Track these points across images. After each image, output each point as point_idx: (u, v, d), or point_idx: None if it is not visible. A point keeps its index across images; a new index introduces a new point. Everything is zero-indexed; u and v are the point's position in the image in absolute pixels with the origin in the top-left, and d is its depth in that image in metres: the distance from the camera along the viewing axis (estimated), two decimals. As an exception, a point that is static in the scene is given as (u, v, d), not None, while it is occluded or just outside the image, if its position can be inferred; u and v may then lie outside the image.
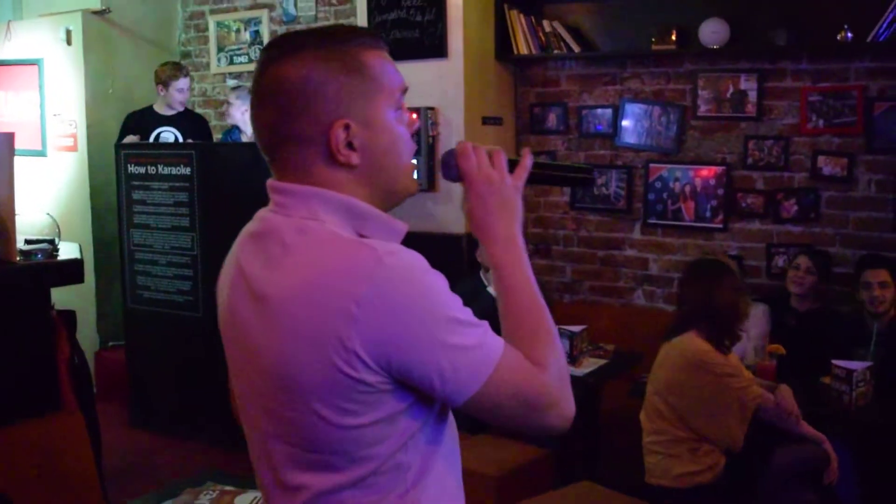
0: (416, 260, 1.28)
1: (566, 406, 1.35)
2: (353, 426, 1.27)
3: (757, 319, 4.34)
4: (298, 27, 6.36)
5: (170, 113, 5.96)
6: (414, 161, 1.44)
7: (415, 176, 1.44)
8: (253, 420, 1.41)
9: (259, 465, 1.42)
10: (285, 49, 1.34)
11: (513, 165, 1.47)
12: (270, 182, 1.39)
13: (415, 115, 1.49)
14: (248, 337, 1.35)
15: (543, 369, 1.33)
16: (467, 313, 1.30)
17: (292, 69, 1.32)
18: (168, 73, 5.90)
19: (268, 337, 1.30)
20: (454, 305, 1.29)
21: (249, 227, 1.42)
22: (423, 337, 1.24)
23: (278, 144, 1.36)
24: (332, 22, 6.19)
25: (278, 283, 1.29)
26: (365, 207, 1.35)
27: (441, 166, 1.48)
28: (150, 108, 6.01)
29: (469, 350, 1.27)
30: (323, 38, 1.35)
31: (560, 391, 1.34)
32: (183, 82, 5.92)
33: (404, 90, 1.40)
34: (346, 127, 1.32)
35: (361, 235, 1.32)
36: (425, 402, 1.32)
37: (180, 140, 5.91)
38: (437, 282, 1.29)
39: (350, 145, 1.33)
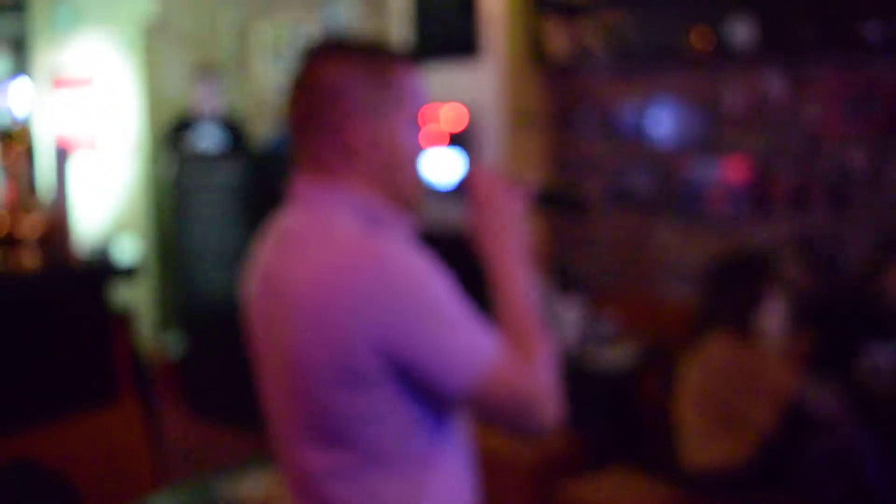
0: (419, 258, 1.38)
1: (554, 407, 1.42)
2: (358, 413, 1.37)
3: (775, 313, 4.38)
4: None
5: (211, 118, 6.11)
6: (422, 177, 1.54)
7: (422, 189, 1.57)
8: (273, 408, 1.51)
9: (277, 450, 1.53)
10: (329, 51, 1.48)
11: (517, 187, 1.58)
12: (291, 178, 1.50)
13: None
14: (271, 330, 1.45)
15: (533, 369, 1.41)
16: (465, 308, 1.39)
17: (331, 69, 1.45)
18: (197, 75, 6.10)
19: (286, 330, 1.40)
20: (454, 301, 1.38)
21: (272, 224, 1.53)
22: (422, 332, 1.34)
23: (304, 132, 1.48)
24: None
25: (294, 279, 1.39)
26: (378, 204, 1.46)
27: (456, 185, 1.60)
28: (191, 109, 6.14)
29: (468, 343, 1.36)
30: (364, 49, 1.48)
31: (549, 392, 1.42)
32: (207, 87, 6.06)
33: (424, 108, 1.52)
34: (365, 130, 1.44)
35: (373, 231, 1.42)
36: (429, 392, 1.40)
37: (219, 137, 6.10)
38: (439, 279, 1.38)
39: (366, 147, 1.44)
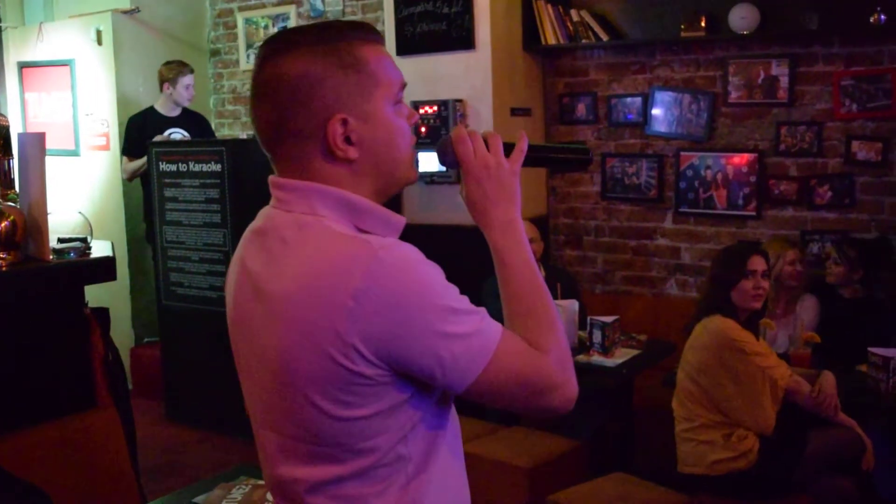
0: (411, 252, 1.30)
1: (568, 388, 1.37)
2: (353, 418, 1.29)
3: (806, 311, 4.31)
4: (326, 22, 6.37)
5: (174, 114, 6.02)
6: (413, 150, 1.44)
7: (415, 165, 1.47)
8: (257, 415, 1.43)
9: (263, 458, 1.45)
10: (282, 45, 1.36)
11: (509, 149, 1.47)
12: (272, 178, 1.42)
13: (416, 110, 1.46)
14: (253, 334, 1.38)
15: (544, 352, 1.35)
16: (464, 301, 1.32)
17: (289, 65, 1.33)
18: (175, 70, 5.95)
19: (270, 333, 1.33)
20: (449, 295, 1.30)
21: (253, 225, 1.45)
22: (421, 328, 1.26)
23: (278, 140, 1.38)
24: (359, 16, 6.20)
25: (278, 280, 1.32)
26: (363, 202, 1.37)
27: (437, 152, 1.49)
28: (151, 110, 6.04)
29: (467, 337, 1.29)
30: (319, 34, 1.36)
31: (561, 373, 1.36)
32: (190, 78, 5.98)
33: (403, 85, 1.41)
34: (344, 122, 1.33)
35: (360, 230, 1.35)
36: (425, 392, 1.34)
37: (191, 129, 5.99)
38: (432, 272, 1.30)
39: (348, 140, 1.34)
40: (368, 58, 1.36)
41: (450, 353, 1.27)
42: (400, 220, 1.41)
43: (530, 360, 1.34)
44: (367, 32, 1.39)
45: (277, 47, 1.36)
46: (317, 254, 1.29)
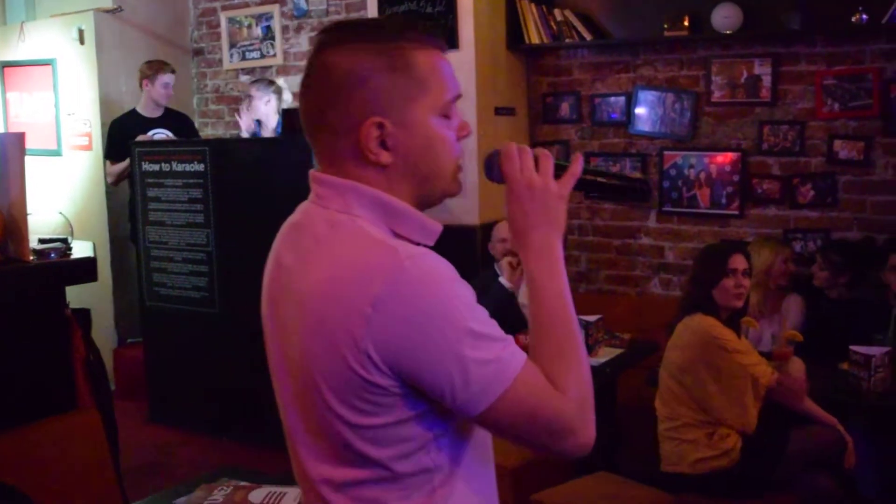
0: (440, 267, 1.25)
1: (584, 433, 1.29)
2: (366, 426, 1.26)
3: (791, 310, 4.33)
4: (310, 21, 6.35)
5: (156, 114, 5.99)
6: (458, 163, 1.38)
7: (459, 178, 1.42)
8: (285, 409, 1.40)
9: (292, 458, 1.42)
10: (337, 36, 1.33)
11: (561, 171, 1.40)
12: (312, 172, 1.38)
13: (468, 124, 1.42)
14: (282, 329, 1.35)
15: (564, 391, 1.28)
16: (490, 326, 1.26)
17: (339, 58, 1.30)
18: (155, 67, 5.93)
19: (295, 330, 1.30)
20: (474, 317, 1.25)
21: (290, 218, 1.42)
22: (437, 345, 1.21)
23: (315, 132, 1.35)
24: (343, 15, 6.18)
25: (305, 278, 1.29)
26: (399, 205, 1.33)
27: (484, 166, 1.43)
28: (133, 112, 6.01)
29: (484, 364, 1.23)
30: (377, 31, 1.33)
31: (580, 418, 1.28)
32: (169, 77, 5.94)
33: (456, 97, 1.36)
34: (380, 125, 1.29)
35: (395, 233, 1.31)
36: (443, 408, 1.28)
37: (174, 129, 5.96)
38: (459, 291, 1.25)
39: (383, 144, 1.30)
40: (421, 63, 1.32)
41: (462, 377, 1.22)
42: (436, 227, 1.37)
43: (548, 398, 1.27)
44: (432, 39, 1.35)
45: (333, 37, 1.33)
46: (343, 256, 1.26)
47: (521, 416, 1.26)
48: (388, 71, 1.29)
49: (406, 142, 1.31)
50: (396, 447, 1.28)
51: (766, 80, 4.91)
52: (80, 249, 3.46)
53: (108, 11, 6.42)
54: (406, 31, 1.33)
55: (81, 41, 6.35)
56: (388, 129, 1.29)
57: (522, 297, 4.64)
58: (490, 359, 1.23)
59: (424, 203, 1.37)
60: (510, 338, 1.28)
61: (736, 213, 5.06)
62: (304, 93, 1.35)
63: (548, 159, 1.40)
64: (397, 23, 1.34)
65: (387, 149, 1.30)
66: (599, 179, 1.51)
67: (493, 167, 1.41)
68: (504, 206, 1.41)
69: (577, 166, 1.42)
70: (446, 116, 1.35)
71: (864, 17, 4.49)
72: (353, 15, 6.12)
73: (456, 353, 1.21)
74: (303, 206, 1.40)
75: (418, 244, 1.31)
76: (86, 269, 3.40)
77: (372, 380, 1.22)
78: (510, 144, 1.40)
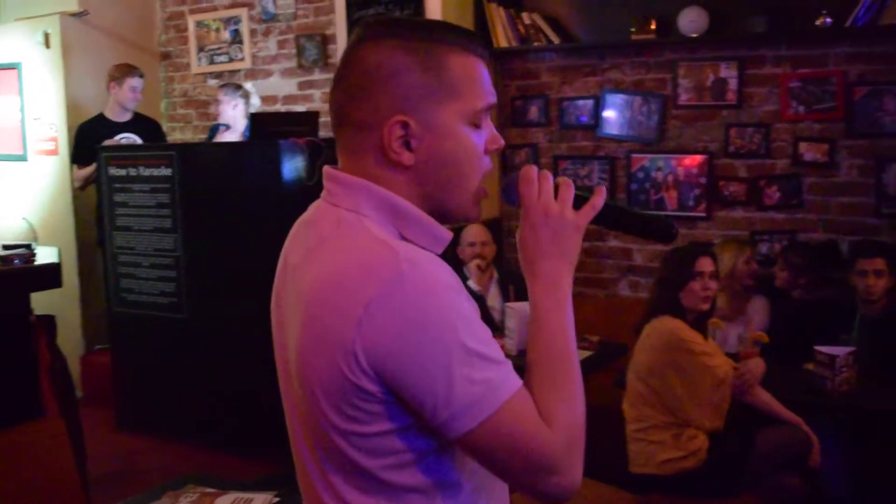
0: (441, 274, 1.21)
1: (569, 475, 1.23)
2: (356, 434, 1.22)
3: (757, 311, 4.37)
4: (278, 25, 6.34)
5: (124, 119, 5.92)
6: (483, 184, 1.32)
7: (478, 202, 1.35)
8: (289, 417, 1.37)
9: (296, 461, 1.38)
10: (374, 32, 1.29)
11: (581, 202, 1.34)
12: (326, 168, 1.34)
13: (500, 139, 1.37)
14: (285, 330, 1.33)
15: (553, 428, 1.22)
16: (488, 346, 1.21)
17: (371, 53, 1.27)
18: (123, 70, 5.88)
19: (294, 330, 1.27)
20: (471, 332, 1.20)
21: (303, 216, 1.38)
22: (424, 355, 1.16)
23: (340, 127, 1.31)
24: (311, 19, 6.17)
25: (306, 276, 1.25)
26: (409, 208, 1.28)
27: (503, 188, 1.39)
28: (100, 117, 5.94)
29: (472, 384, 1.17)
30: (414, 30, 1.28)
31: (566, 457, 1.23)
32: (137, 81, 5.88)
33: (489, 107, 1.32)
34: (405, 124, 1.25)
35: (403, 237, 1.27)
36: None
37: (141, 134, 5.90)
38: (458, 302, 1.20)
39: (406, 144, 1.26)
40: (455, 67, 1.27)
41: (446, 393, 1.16)
42: (446, 234, 1.32)
43: (533, 430, 1.20)
44: (470, 43, 1.30)
45: (370, 33, 1.29)
46: (342, 255, 1.22)
47: (503, 444, 1.19)
48: (419, 70, 1.25)
49: (430, 145, 1.26)
50: (387, 458, 1.23)
51: (733, 83, 4.95)
52: (45, 255, 3.44)
53: (74, 15, 6.36)
54: (444, 33, 1.29)
55: (47, 45, 6.30)
56: (412, 130, 1.25)
57: (491, 300, 4.65)
58: (480, 379, 1.18)
59: (437, 215, 1.32)
60: (509, 363, 1.22)
61: (703, 215, 5.10)
62: (335, 87, 1.31)
63: (568, 188, 1.34)
64: (437, 24, 1.31)
65: (410, 150, 1.26)
66: (621, 218, 1.41)
67: (510, 190, 1.36)
68: (517, 231, 1.37)
69: (598, 199, 1.35)
70: (476, 125, 1.30)
71: (829, 20, 4.54)
72: (322, 18, 6.10)
73: (444, 368, 1.16)
74: (315, 204, 1.37)
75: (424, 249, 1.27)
76: (50, 276, 3.39)
77: (359, 384, 1.18)
78: (530, 167, 1.35)
